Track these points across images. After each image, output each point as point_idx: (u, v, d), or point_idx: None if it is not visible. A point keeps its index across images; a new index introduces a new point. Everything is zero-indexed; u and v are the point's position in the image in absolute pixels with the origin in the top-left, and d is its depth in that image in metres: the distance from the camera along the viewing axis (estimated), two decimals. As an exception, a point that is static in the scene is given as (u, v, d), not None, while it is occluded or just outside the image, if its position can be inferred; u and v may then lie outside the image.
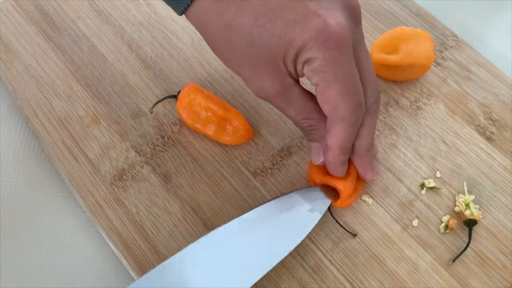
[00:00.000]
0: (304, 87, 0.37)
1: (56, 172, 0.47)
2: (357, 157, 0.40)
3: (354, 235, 0.42)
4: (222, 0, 0.35)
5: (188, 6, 0.36)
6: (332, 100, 0.35)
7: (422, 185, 0.44)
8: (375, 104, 0.38)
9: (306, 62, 0.34)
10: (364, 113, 0.38)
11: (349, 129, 0.36)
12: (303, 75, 0.36)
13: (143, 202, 0.44)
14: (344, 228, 0.42)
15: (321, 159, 0.40)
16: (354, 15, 0.35)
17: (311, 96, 0.37)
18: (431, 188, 0.44)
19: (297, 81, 0.37)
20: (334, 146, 0.38)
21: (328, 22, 0.33)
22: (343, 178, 0.40)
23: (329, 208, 0.42)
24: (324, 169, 0.41)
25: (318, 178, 0.41)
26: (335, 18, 0.33)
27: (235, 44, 0.35)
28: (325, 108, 0.36)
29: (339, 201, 0.41)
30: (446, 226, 0.42)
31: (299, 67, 0.35)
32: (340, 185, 0.40)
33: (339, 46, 0.33)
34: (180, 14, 0.37)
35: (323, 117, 0.38)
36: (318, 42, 0.33)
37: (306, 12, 0.33)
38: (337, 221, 0.42)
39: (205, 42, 0.38)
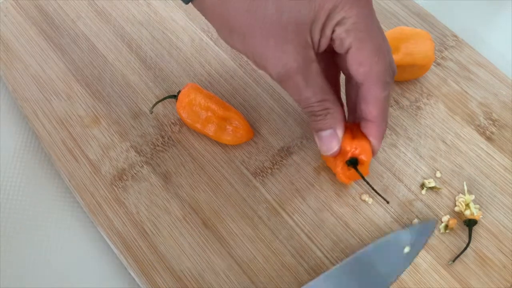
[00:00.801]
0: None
1: (56, 172, 0.47)
2: (376, 125, 0.39)
3: (387, 202, 0.42)
4: None
5: None
6: (368, 61, 0.34)
7: (422, 185, 0.44)
8: (393, 66, 0.37)
9: (338, 23, 0.33)
10: None
11: (386, 91, 0.36)
12: (326, 44, 0.35)
13: (143, 202, 0.44)
14: (379, 194, 0.41)
15: (336, 149, 0.39)
16: None
17: (324, 76, 0.36)
18: (431, 188, 0.44)
19: (317, 58, 0.36)
20: (376, 113, 0.36)
21: None
22: (363, 146, 0.39)
23: (361, 176, 0.41)
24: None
25: (342, 157, 0.40)
26: None
27: (261, 17, 0.34)
28: (361, 70, 0.35)
29: (364, 167, 0.41)
30: (446, 226, 0.42)
31: (327, 31, 0.34)
32: (364, 156, 0.40)
33: (368, 4, 0.34)
34: (186, 3, 0.36)
35: (338, 99, 0.37)
36: (350, 1, 0.33)
37: None
38: (372, 188, 0.41)
39: (215, 32, 0.36)
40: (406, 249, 0.40)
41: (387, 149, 0.46)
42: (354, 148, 0.39)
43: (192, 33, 0.53)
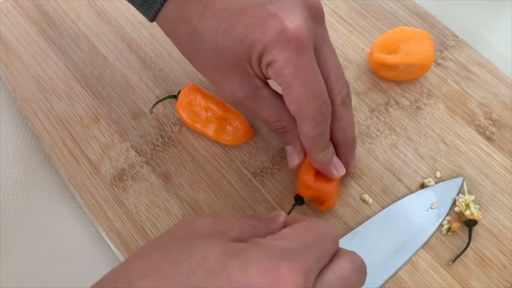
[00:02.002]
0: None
1: (56, 172, 0.47)
2: (340, 150, 0.40)
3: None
4: (186, 8, 0.36)
5: (157, 13, 0.37)
6: (297, 101, 0.35)
7: (422, 185, 0.44)
8: (347, 96, 0.39)
9: (269, 64, 0.34)
10: (340, 105, 0.38)
11: (317, 128, 0.36)
12: (268, 77, 0.36)
13: (143, 202, 0.44)
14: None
15: (296, 162, 0.41)
16: (315, 14, 0.35)
17: (281, 98, 0.37)
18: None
19: (266, 83, 0.37)
20: (308, 145, 0.38)
21: (286, 24, 0.33)
22: (328, 181, 0.40)
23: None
24: (309, 177, 0.40)
25: (306, 187, 0.40)
26: (294, 20, 0.33)
27: (202, 50, 0.36)
28: (291, 108, 0.36)
29: (324, 205, 0.41)
30: (449, 229, 0.42)
31: (263, 69, 0.35)
32: (327, 189, 0.40)
33: (298, 47, 0.33)
34: (151, 21, 0.38)
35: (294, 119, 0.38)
36: (278, 44, 0.33)
37: (265, 15, 0.34)
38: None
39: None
40: (434, 206, 0.42)
41: (387, 149, 0.46)
42: (314, 189, 0.40)
43: (192, 33, 0.53)
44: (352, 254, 0.30)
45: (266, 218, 0.33)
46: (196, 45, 0.36)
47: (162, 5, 0.37)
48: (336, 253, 0.30)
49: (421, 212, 0.42)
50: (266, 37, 0.33)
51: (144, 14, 0.38)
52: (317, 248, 0.29)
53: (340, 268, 0.29)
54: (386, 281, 0.40)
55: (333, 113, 0.38)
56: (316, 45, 0.35)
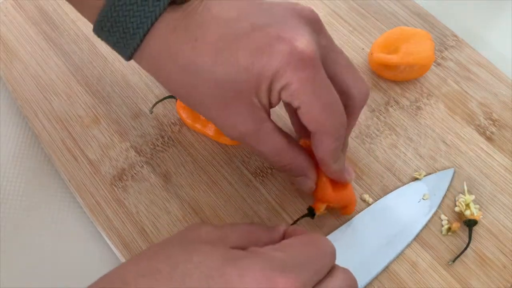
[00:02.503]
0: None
1: (56, 172, 0.47)
2: (328, 167, 0.38)
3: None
4: (173, 41, 0.32)
5: (135, 50, 0.34)
6: (316, 120, 0.34)
7: (415, 179, 0.44)
8: (363, 91, 0.37)
9: (283, 88, 0.33)
10: (359, 108, 0.37)
11: (336, 142, 0.35)
12: (278, 103, 0.34)
13: (143, 202, 0.44)
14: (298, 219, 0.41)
15: (311, 187, 0.39)
16: (315, 26, 0.34)
17: (281, 133, 0.36)
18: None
19: (269, 116, 0.35)
20: (326, 160, 0.36)
21: (295, 44, 0.31)
22: (344, 187, 0.40)
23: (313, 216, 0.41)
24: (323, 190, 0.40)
25: (327, 201, 0.40)
26: (301, 38, 0.32)
27: (198, 87, 0.33)
28: (311, 127, 0.34)
29: (348, 208, 0.41)
30: (449, 229, 0.42)
31: (274, 95, 0.33)
32: (348, 194, 0.40)
33: (311, 65, 0.32)
34: (128, 59, 0.35)
35: (297, 151, 0.37)
36: (290, 66, 0.32)
37: (268, 38, 0.32)
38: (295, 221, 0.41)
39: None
40: (426, 197, 0.43)
41: (387, 149, 0.46)
42: (336, 200, 0.40)
43: (192, 33, 0.53)
44: (346, 271, 0.31)
45: (267, 226, 0.33)
46: (190, 82, 0.33)
47: (141, 41, 0.33)
48: (332, 269, 0.30)
49: (413, 204, 0.43)
50: (276, 61, 0.31)
51: (120, 52, 0.34)
52: (314, 263, 0.29)
53: (334, 284, 0.29)
54: (379, 273, 0.40)
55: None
56: (323, 55, 0.34)
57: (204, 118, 0.45)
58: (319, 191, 0.40)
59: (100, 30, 0.34)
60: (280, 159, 0.36)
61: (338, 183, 0.39)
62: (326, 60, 0.35)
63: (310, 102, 0.33)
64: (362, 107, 0.38)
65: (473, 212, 0.42)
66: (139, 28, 0.33)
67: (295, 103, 0.33)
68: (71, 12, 0.54)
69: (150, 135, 0.47)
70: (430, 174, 0.44)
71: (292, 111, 0.40)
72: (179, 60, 0.33)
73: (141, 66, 0.35)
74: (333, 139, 0.35)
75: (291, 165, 0.37)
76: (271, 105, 0.35)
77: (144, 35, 0.33)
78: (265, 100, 0.34)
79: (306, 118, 0.34)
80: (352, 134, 0.46)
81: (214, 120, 0.35)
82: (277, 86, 0.33)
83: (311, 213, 0.40)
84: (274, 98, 0.34)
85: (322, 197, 0.40)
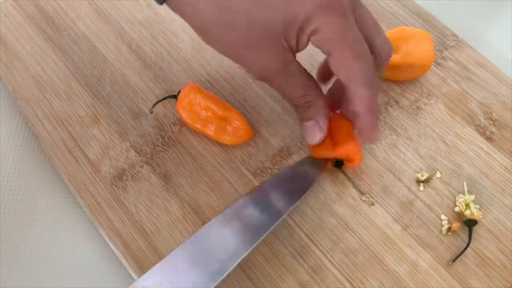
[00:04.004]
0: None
1: (56, 172, 0.47)
2: (364, 120, 0.40)
3: (372, 204, 0.43)
4: None
5: None
6: (347, 65, 0.35)
7: (418, 181, 0.44)
8: (389, 52, 0.39)
9: (313, 33, 0.34)
10: (385, 61, 0.39)
11: (369, 90, 0.37)
12: (305, 47, 0.36)
13: (143, 202, 0.44)
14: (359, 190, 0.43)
15: (318, 137, 0.41)
16: None
17: (306, 72, 0.38)
18: (427, 181, 0.44)
19: (295, 57, 0.37)
20: (362, 110, 0.38)
21: None
22: (348, 143, 0.41)
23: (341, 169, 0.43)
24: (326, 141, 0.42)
25: (327, 152, 0.42)
26: None
27: (233, 27, 0.35)
28: (342, 74, 0.36)
29: (356, 161, 0.42)
30: (449, 229, 0.42)
31: (303, 39, 0.35)
32: (351, 150, 0.41)
33: (342, 12, 0.34)
34: (161, 3, 0.36)
35: (320, 93, 0.39)
36: (322, 10, 0.33)
37: None
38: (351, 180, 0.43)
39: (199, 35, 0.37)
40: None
41: (387, 149, 0.46)
42: (341, 151, 0.42)
43: (192, 33, 0.53)
44: None
45: None
46: (229, 22, 0.34)
47: None
48: None
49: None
50: (309, 5, 0.33)
51: None
52: None
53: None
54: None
55: None
56: (353, 8, 0.36)
57: (203, 118, 0.45)
58: (338, 137, 0.41)
59: None
60: (305, 95, 0.38)
61: (345, 136, 0.41)
62: (354, 14, 0.36)
63: (340, 48, 0.35)
64: (384, 66, 0.39)
65: (473, 212, 0.42)
66: None
67: (325, 49, 0.35)
68: (71, 12, 0.54)
69: (150, 135, 0.47)
70: (431, 175, 0.44)
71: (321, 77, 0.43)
72: (218, 1, 0.34)
73: (174, 10, 0.36)
74: (366, 85, 0.36)
75: (313, 102, 0.39)
76: (297, 49, 0.36)
77: None
78: (293, 42, 0.35)
79: (336, 64, 0.36)
80: (352, 134, 0.46)
81: (245, 61, 0.37)
82: (307, 30, 0.34)
83: (339, 163, 0.42)
84: (303, 41, 0.35)
85: (331, 148, 0.41)
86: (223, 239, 0.38)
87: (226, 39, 0.36)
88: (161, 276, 0.36)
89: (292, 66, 0.37)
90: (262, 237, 0.38)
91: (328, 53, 0.35)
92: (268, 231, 0.38)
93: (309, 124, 0.40)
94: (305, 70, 0.38)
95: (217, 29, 0.35)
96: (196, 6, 0.35)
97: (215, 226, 0.38)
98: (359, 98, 0.37)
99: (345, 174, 0.44)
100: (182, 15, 0.36)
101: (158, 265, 0.36)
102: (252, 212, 0.39)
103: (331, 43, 0.35)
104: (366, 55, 0.36)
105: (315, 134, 0.41)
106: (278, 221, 0.39)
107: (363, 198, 0.43)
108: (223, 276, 0.36)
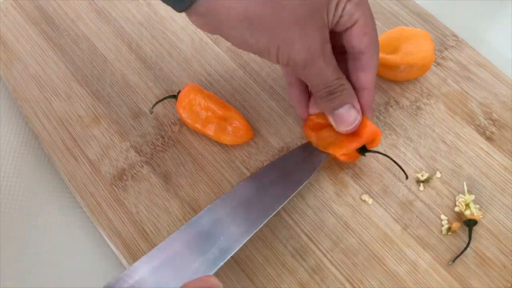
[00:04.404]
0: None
1: (56, 172, 0.47)
2: (371, 92, 0.41)
3: (407, 177, 0.43)
4: None
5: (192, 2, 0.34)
6: (371, 32, 0.38)
7: (418, 181, 0.44)
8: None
9: (348, 0, 0.36)
10: None
11: (378, 57, 0.40)
12: (336, 22, 0.37)
13: (143, 202, 0.44)
14: (400, 167, 0.43)
15: (357, 119, 0.41)
16: None
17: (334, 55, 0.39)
18: (427, 181, 0.44)
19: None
20: (372, 80, 0.40)
21: None
22: (367, 124, 0.41)
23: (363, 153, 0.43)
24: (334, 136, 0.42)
25: (344, 145, 0.42)
26: None
27: (286, 6, 0.35)
28: (365, 41, 0.38)
29: (376, 140, 0.42)
30: (449, 229, 0.42)
31: (340, 8, 0.37)
32: (374, 129, 0.42)
33: None
34: (182, 10, 0.35)
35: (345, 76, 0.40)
36: None
37: None
38: (392, 160, 0.43)
39: (221, 34, 0.36)
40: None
41: (387, 149, 0.46)
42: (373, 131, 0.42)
43: (192, 33, 0.53)
44: None
45: None
46: (273, 6, 0.34)
47: None
48: None
49: None
50: None
51: (175, 4, 0.35)
52: None
53: None
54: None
55: None
56: None
57: (203, 118, 0.45)
58: (345, 138, 0.42)
59: None
60: (339, 78, 0.39)
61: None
62: None
63: (367, 14, 0.38)
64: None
65: (473, 212, 0.42)
66: None
67: (356, 15, 0.37)
68: (71, 12, 0.54)
69: (150, 135, 0.47)
70: (431, 175, 0.44)
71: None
72: None
73: (196, 19, 0.36)
74: (378, 54, 0.40)
75: (346, 84, 0.40)
76: (331, 23, 0.37)
77: None
78: (331, 14, 0.37)
79: (362, 30, 0.38)
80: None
81: (290, 42, 0.36)
82: None
83: (364, 150, 0.42)
84: (338, 12, 0.37)
85: (359, 135, 0.41)
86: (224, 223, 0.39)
87: (277, 18, 0.35)
88: (155, 263, 0.36)
89: (328, 46, 0.37)
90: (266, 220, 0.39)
91: (356, 20, 0.37)
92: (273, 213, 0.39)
93: (345, 109, 0.40)
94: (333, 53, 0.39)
95: (268, 7, 0.35)
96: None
97: (214, 210, 0.39)
98: (373, 67, 0.40)
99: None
100: (217, 13, 0.35)
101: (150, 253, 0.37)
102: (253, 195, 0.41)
103: (362, 9, 0.37)
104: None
105: (354, 117, 0.40)
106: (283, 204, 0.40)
107: (363, 198, 0.43)
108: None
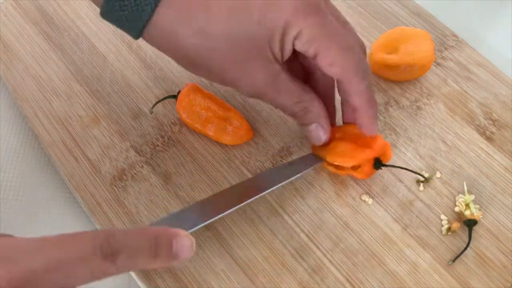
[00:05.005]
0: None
1: (56, 172, 0.47)
2: (365, 112, 0.40)
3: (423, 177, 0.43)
4: (186, 7, 0.33)
5: (144, 27, 0.34)
6: (338, 60, 0.36)
7: (418, 181, 0.44)
8: (363, 47, 0.39)
9: (296, 37, 0.34)
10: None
11: (365, 80, 0.37)
12: (289, 54, 0.36)
13: (143, 202, 0.44)
14: (412, 171, 0.43)
15: (324, 138, 0.41)
16: None
17: (295, 79, 0.38)
18: (427, 181, 0.44)
19: (283, 67, 0.37)
20: (363, 103, 0.38)
21: None
22: (376, 139, 0.41)
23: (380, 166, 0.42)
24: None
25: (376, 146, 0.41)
26: None
27: (215, 49, 0.34)
28: (335, 70, 0.36)
29: (387, 155, 0.42)
30: (449, 229, 0.42)
31: (288, 46, 0.35)
32: (384, 144, 0.41)
33: (319, 10, 0.34)
34: (137, 38, 0.36)
35: (313, 95, 0.39)
36: (300, 14, 0.33)
37: None
38: (408, 170, 0.43)
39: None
40: None
41: (387, 149, 0.46)
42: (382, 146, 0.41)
43: (192, 33, 0.53)
44: None
45: None
46: (208, 46, 0.34)
47: (153, 11, 0.33)
48: None
49: None
50: (285, 11, 0.33)
51: (128, 29, 0.35)
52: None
53: None
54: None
55: None
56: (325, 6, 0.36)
57: (203, 118, 0.45)
58: (372, 141, 0.41)
59: (109, 9, 0.34)
60: (300, 102, 0.38)
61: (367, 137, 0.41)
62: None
63: (326, 45, 0.35)
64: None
65: (473, 212, 0.42)
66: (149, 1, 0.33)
67: (311, 51, 0.35)
68: (71, 12, 0.54)
69: (150, 135, 0.47)
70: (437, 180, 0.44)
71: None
72: (193, 25, 0.34)
73: (151, 42, 0.36)
74: (362, 76, 0.37)
75: (310, 107, 0.39)
76: (283, 58, 0.36)
77: (156, 6, 0.33)
78: (278, 52, 0.35)
79: (326, 61, 0.36)
80: (352, 134, 0.46)
81: (233, 81, 0.37)
82: (290, 36, 0.34)
83: (378, 164, 0.42)
84: (287, 49, 0.35)
85: (374, 144, 0.41)
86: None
87: (210, 62, 0.36)
88: None
89: (280, 77, 0.37)
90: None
91: (315, 55, 0.35)
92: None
93: (312, 127, 0.41)
94: (295, 78, 0.38)
95: (198, 56, 0.35)
96: (173, 36, 0.34)
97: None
98: (357, 91, 0.38)
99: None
100: (159, 45, 0.36)
101: None
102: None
103: (316, 43, 0.35)
104: (355, 44, 0.37)
105: (320, 136, 0.41)
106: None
107: (363, 198, 0.43)
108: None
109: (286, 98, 0.38)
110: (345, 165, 0.42)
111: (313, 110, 0.40)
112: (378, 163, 0.42)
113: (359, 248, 0.41)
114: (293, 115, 0.40)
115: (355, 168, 0.42)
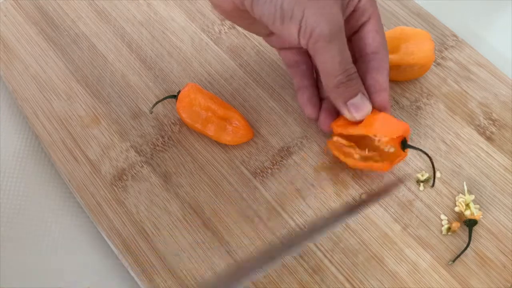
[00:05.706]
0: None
1: (56, 172, 0.47)
2: (387, 92, 0.41)
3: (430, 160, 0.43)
4: None
5: None
6: (381, 31, 0.40)
7: (418, 181, 0.44)
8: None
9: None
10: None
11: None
12: (352, 14, 0.39)
13: (143, 202, 0.44)
14: (434, 173, 0.43)
15: (369, 109, 0.40)
16: None
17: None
18: (427, 181, 0.44)
19: None
20: (387, 81, 0.41)
21: None
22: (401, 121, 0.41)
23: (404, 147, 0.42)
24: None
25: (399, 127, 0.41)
26: None
27: None
28: (378, 39, 0.39)
29: (407, 133, 0.42)
30: (449, 228, 0.42)
31: (353, 2, 0.38)
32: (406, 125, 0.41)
33: None
34: None
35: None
36: None
37: None
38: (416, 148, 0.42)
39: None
40: None
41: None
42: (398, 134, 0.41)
43: (192, 33, 0.53)
44: None
45: None
46: None
47: None
48: None
49: None
50: None
51: None
52: None
53: None
54: None
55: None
56: None
57: (203, 118, 0.45)
58: (387, 121, 0.41)
59: None
60: (348, 70, 0.38)
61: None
62: None
63: (376, 14, 0.39)
64: None
65: (473, 212, 0.42)
66: None
67: (368, 12, 0.38)
68: (71, 12, 0.54)
69: (150, 135, 0.47)
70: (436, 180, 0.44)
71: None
72: None
73: None
74: (388, 60, 0.41)
75: (355, 74, 0.39)
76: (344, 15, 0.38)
77: None
78: (345, 3, 0.38)
79: (374, 27, 0.39)
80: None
81: (315, 10, 0.35)
82: None
83: (404, 145, 0.41)
84: (350, 8, 0.38)
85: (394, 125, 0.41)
86: None
87: None
88: None
89: (343, 31, 0.37)
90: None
91: (369, 17, 0.38)
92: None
93: (357, 99, 0.40)
94: None
95: None
96: None
97: None
98: (386, 68, 0.40)
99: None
100: None
101: None
102: None
103: (374, 6, 0.38)
104: None
105: (366, 106, 0.40)
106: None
107: (363, 198, 0.43)
108: None
109: (348, 53, 0.38)
110: (388, 136, 0.40)
111: (358, 77, 0.39)
112: (405, 143, 0.41)
113: (359, 248, 0.41)
114: (346, 79, 0.38)
115: (381, 153, 0.41)
